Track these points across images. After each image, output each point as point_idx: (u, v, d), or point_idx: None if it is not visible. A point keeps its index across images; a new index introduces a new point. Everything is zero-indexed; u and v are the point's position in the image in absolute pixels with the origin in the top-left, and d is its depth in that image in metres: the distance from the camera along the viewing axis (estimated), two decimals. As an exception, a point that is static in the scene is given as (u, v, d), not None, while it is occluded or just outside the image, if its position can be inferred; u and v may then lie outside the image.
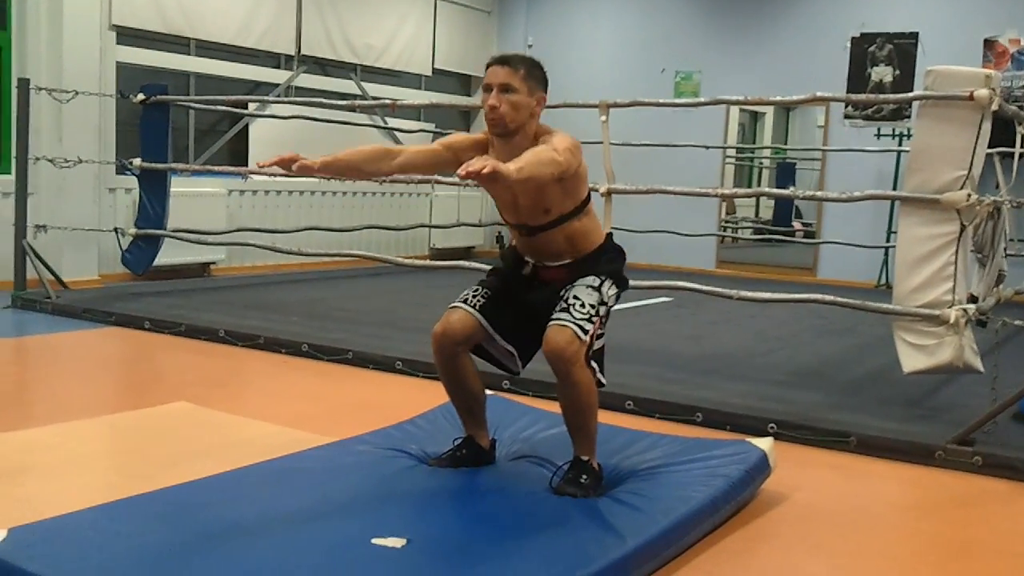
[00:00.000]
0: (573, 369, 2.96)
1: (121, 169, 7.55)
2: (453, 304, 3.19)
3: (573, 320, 2.97)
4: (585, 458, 3.09)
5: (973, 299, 4.57)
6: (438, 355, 3.19)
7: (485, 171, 2.55)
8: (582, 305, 3.02)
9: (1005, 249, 5.02)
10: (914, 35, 9.96)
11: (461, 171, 2.59)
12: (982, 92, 4.12)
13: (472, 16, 12.04)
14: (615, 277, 3.19)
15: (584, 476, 3.05)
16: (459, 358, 3.20)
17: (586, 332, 2.97)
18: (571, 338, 2.95)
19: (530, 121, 3.09)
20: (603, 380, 3.10)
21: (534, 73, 3.09)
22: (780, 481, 3.46)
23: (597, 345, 3.06)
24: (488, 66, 3.10)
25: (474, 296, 3.21)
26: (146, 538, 2.51)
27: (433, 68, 11.43)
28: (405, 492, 3.00)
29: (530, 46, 12.16)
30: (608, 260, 3.22)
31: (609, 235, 3.28)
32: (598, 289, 3.09)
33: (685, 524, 2.83)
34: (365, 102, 9.10)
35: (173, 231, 7.32)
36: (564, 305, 3.03)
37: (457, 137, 3.29)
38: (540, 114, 3.14)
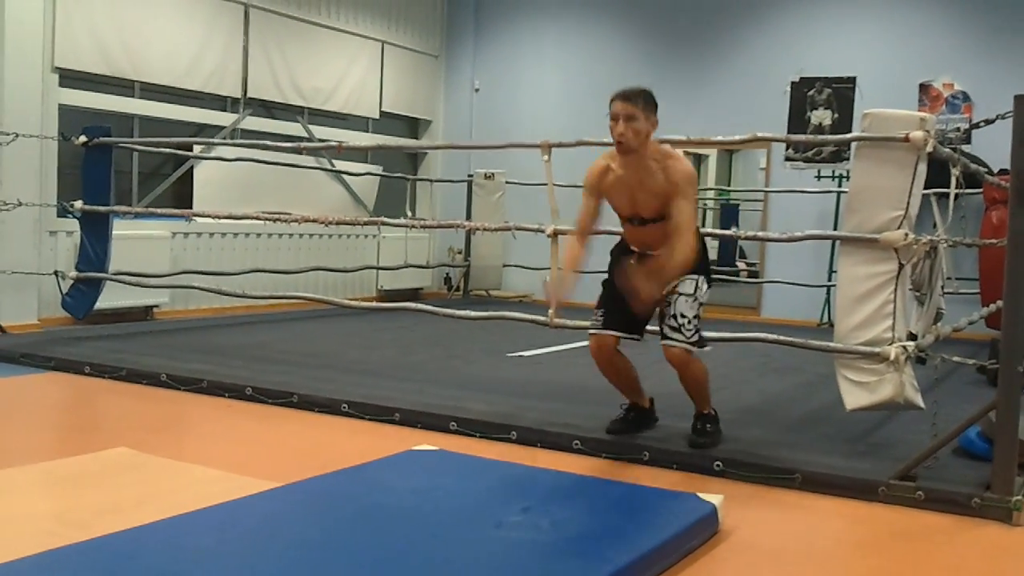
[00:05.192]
0: (688, 369, 4.23)
1: (62, 212, 7.45)
2: (591, 332, 4.31)
3: (685, 340, 4.13)
4: (705, 411, 4.39)
5: (912, 336, 4.64)
6: (598, 363, 4.34)
7: (650, 294, 3.95)
8: (688, 321, 4.13)
9: (943, 287, 5.11)
10: (852, 79, 10.20)
11: (637, 306, 4.02)
12: (917, 134, 4.22)
13: (420, 60, 12.11)
14: (704, 273, 4.23)
15: (707, 425, 4.38)
16: (613, 359, 4.31)
17: (695, 343, 4.15)
18: (683, 353, 4.16)
19: (647, 140, 4.05)
20: (707, 343, 4.34)
21: (648, 103, 4.02)
22: (726, 518, 3.47)
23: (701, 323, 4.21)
24: (612, 100, 4.01)
25: (600, 318, 4.31)
26: (83, 588, 2.45)
27: (381, 111, 11.47)
28: (349, 539, 2.96)
29: (477, 89, 12.26)
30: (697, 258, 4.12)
31: (701, 236, 4.26)
32: (695, 296, 4.15)
33: (629, 571, 2.82)
34: (311, 144, 9.09)
35: (115, 274, 7.21)
36: (675, 324, 4.13)
37: (589, 179, 4.31)
38: (653, 133, 4.08)
